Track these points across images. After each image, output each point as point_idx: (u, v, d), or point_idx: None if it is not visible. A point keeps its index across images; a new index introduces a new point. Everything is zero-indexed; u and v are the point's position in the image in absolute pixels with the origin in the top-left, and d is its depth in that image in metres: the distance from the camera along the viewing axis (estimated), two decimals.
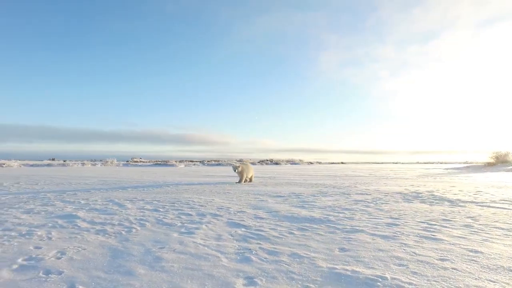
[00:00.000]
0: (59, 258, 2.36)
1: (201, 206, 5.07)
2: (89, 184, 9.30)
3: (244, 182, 10.02)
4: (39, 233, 3.15)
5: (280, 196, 6.42)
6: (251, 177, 10.36)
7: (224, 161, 44.24)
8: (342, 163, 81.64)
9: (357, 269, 2.14)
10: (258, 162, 54.52)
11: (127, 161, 37.06)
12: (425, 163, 76.95)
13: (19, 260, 2.31)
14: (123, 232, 3.23)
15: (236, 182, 9.91)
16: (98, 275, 2.02)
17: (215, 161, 48.38)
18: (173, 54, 48.44)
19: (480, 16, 40.73)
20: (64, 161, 35.28)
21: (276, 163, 51.40)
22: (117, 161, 33.06)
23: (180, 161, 39.35)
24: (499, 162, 18.75)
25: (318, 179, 12.66)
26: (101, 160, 34.57)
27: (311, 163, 63.65)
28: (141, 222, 3.74)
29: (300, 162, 59.89)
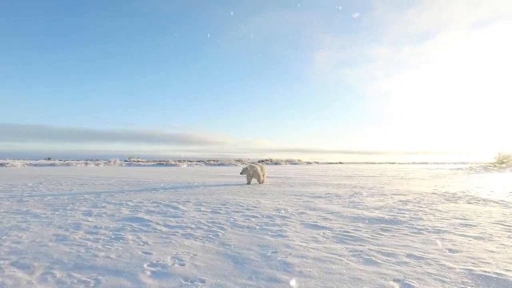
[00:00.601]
0: (182, 265, 2.29)
1: (254, 207, 5.02)
2: (114, 184, 9.11)
3: (261, 183, 9.74)
4: (127, 237, 3.06)
5: (321, 197, 6.42)
6: (259, 178, 9.84)
7: (226, 161, 44.05)
8: (340, 163, 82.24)
9: (499, 271, 2.15)
10: (257, 162, 54.37)
11: (128, 161, 36.52)
12: (420, 163, 78.30)
13: (146, 266, 2.24)
14: (211, 235, 3.17)
15: (246, 183, 9.66)
16: (246, 283, 1.97)
17: (214, 160, 48.12)
18: (168, 54, 47.97)
19: (473, 17, 41.69)
20: (65, 160, 34.51)
21: (276, 163, 51.47)
22: (119, 160, 32.57)
23: (182, 161, 39.03)
24: (503, 163, 19.27)
25: (334, 179, 12.73)
26: (104, 160, 33.99)
27: (309, 163, 63.97)
28: (218, 225, 3.67)
29: (299, 162, 60.13)
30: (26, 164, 25.64)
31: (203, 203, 5.42)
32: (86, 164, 28.78)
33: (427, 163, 73.13)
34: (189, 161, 40.76)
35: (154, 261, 2.34)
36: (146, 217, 4.11)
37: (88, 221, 3.84)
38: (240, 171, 9.85)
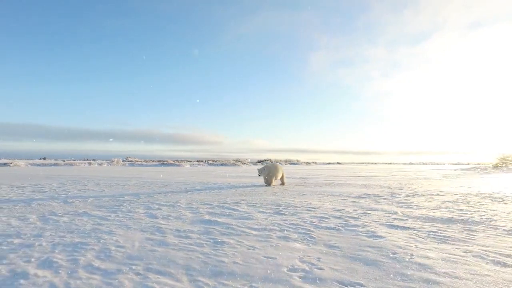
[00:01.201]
0: (321, 269, 2.27)
1: (311, 208, 5.01)
2: (140, 185, 8.94)
3: (281, 184, 9.39)
4: (228, 241, 3.01)
5: (363, 197, 6.45)
6: (282, 178, 9.44)
7: (226, 161, 43.84)
8: (338, 163, 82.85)
9: None
10: (257, 163, 54.49)
11: (131, 161, 35.96)
12: (417, 163, 79.69)
13: (286, 271, 2.21)
14: (307, 237, 3.15)
15: (266, 185, 9.12)
16: (404, 285, 1.96)
17: (213, 160, 47.90)
18: (165, 53, 47.41)
19: (468, 19, 42.64)
20: (64, 160, 33.72)
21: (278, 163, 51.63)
22: (122, 161, 31.99)
23: (185, 161, 38.67)
24: (505, 164, 19.81)
25: (352, 179, 12.85)
26: (100, 160, 33.36)
27: (308, 163, 64.29)
28: (300, 226, 3.65)
29: (298, 162, 60.37)
30: (29, 164, 24.91)
31: (255, 204, 5.37)
32: (89, 164, 28.19)
33: (426, 164, 74.46)
34: (191, 161, 40.42)
35: (289, 266, 2.31)
36: (219, 220, 4.05)
37: (163, 223, 3.77)
38: (259, 171, 9.07)
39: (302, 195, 6.77)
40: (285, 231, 3.41)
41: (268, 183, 9.07)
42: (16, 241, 2.97)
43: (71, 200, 5.72)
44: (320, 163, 71.78)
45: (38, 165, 25.42)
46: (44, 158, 45.37)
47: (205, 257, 2.51)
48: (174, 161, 35.95)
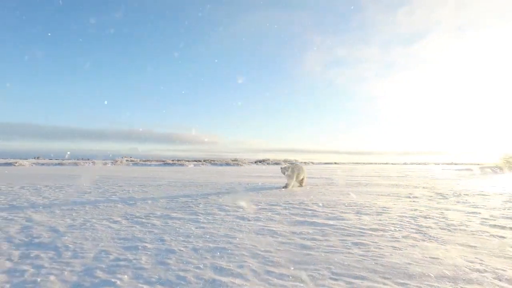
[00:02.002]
0: (483, 272, 2.27)
1: (383, 210, 5.02)
2: (176, 186, 8.75)
3: (294, 186, 8.73)
4: (362, 241, 2.98)
5: (419, 197, 6.52)
6: (302, 179, 9.04)
7: (227, 161, 43.57)
8: (335, 163, 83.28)
9: None
10: (255, 162, 54.49)
11: (133, 161, 35.28)
12: (412, 164, 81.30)
13: (467, 270, 2.20)
14: (415, 241, 3.16)
15: (283, 187, 8.56)
16: None
17: (212, 160, 47.57)
18: (157, 51, 46.70)
19: (461, 20, 43.88)
20: (62, 159, 32.71)
21: (277, 163, 51.65)
22: (126, 161, 31.31)
23: (189, 161, 38.25)
24: (510, 164, 20.55)
25: (374, 180, 13.02)
26: (95, 160, 32.70)
27: (305, 163, 64.59)
28: (409, 227, 3.65)
29: (297, 162, 60.68)
30: (33, 163, 23.98)
31: (329, 205, 5.34)
32: (93, 163, 27.42)
33: (424, 164, 75.98)
34: (193, 161, 39.99)
35: (467, 268, 2.31)
36: (318, 220, 4.01)
37: (272, 225, 3.70)
38: (284, 170, 8.70)
39: (348, 195, 6.78)
40: (403, 230, 3.40)
41: (289, 184, 8.53)
42: (151, 246, 2.85)
43: (132, 202, 5.54)
44: (317, 163, 72.25)
45: (43, 164, 24.53)
46: (38, 158, 43.96)
47: (361, 258, 2.47)
48: (177, 161, 35.47)
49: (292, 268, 2.29)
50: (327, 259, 2.48)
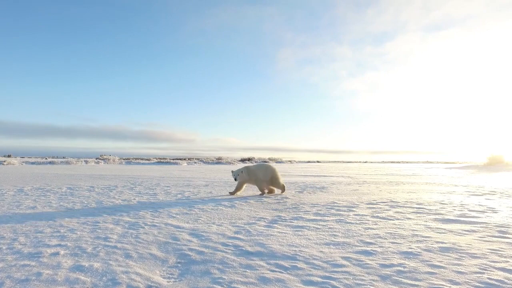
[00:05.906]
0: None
1: (462, 206, 5.13)
2: (209, 185, 8.56)
3: (269, 193, 6.61)
4: (454, 246, 3.02)
5: (449, 193, 6.73)
6: (275, 182, 6.55)
7: (211, 159, 43.21)
8: (318, 161, 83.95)
9: None
10: (239, 161, 54.04)
11: (127, 159, 34.15)
12: (391, 162, 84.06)
13: None
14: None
15: (229, 193, 6.76)
16: None
17: (197, 158, 47.00)
18: (126, 47, 45.24)
19: (427, 21, 45.40)
20: (62, 157, 31.04)
21: (265, 162, 51.69)
22: (118, 158, 30.21)
23: (182, 160, 37.61)
24: (494, 163, 21.77)
25: (380, 178, 13.31)
26: (92, 159, 31.36)
27: (290, 161, 64.77)
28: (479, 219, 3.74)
29: (281, 160, 60.87)
30: (23, 162, 22.50)
31: (372, 206, 5.39)
32: (86, 162, 26.15)
33: (413, 163, 78.26)
34: (186, 160, 39.40)
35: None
36: (383, 223, 4.04)
37: (334, 228, 3.69)
38: (235, 174, 6.38)
39: (366, 195, 6.89)
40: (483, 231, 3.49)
41: (235, 190, 6.54)
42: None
43: (161, 210, 5.35)
44: (299, 162, 72.30)
45: (33, 163, 23.11)
46: (9, 156, 42.00)
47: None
48: (171, 159, 34.83)
49: None
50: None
